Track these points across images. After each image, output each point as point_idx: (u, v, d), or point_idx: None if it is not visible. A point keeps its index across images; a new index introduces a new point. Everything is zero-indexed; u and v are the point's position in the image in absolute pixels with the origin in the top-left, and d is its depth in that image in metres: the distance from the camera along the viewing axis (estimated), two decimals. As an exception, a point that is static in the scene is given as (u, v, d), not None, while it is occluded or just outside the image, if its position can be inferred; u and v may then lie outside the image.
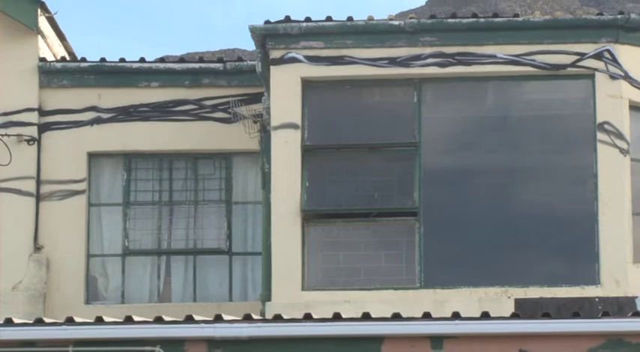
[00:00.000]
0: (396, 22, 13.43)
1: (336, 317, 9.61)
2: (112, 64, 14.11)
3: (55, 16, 14.25)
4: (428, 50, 12.44)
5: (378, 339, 9.56)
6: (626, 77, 11.99)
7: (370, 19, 12.92)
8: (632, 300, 10.56)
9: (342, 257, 12.16)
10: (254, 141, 12.89)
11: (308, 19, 12.29)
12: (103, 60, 14.08)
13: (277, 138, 12.04)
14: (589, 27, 12.44)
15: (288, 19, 12.31)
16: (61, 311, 11.96)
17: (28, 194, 13.47)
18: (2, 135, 13.29)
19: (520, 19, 13.32)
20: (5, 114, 13.31)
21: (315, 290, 11.72)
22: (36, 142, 13.44)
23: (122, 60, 13.97)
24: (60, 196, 13.50)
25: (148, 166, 13.84)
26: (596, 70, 11.92)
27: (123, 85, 13.79)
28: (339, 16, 12.57)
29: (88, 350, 9.58)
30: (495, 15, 13.64)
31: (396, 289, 11.76)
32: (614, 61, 11.86)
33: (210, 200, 13.72)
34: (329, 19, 12.40)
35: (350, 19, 12.70)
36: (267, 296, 11.88)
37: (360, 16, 12.72)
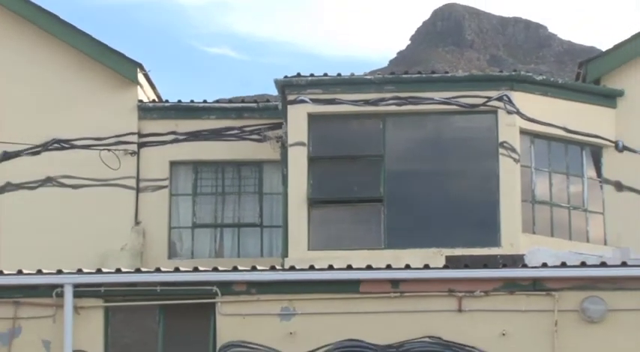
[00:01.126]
0: (368, 77, 13.63)
1: (330, 267, 9.65)
2: (185, 104, 13.91)
3: (148, 73, 14.14)
4: (389, 95, 12.36)
5: (357, 282, 9.51)
6: (518, 112, 12.00)
7: (352, 75, 12.88)
8: (521, 257, 10.53)
9: (334, 228, 12.30)
10: (277, 153, 12.96)
11: (312, 75, 12.37)
12: (179, 101, 13.97)
13: (292, 152, 12.18)
14: (493, 80, 12.54)
15: (298, 75, 12.41)
16: (151, 264, 11.80)
17: (131, 188, 13.25)
18: (115, 150, 13.24)
19: (449, 74, 13.54)
20: (117, 136, 13.14)
21: (316, 251, 11.75)
22: (136, 154, 13.30)
23: (192, 101, 13.90)
24: (152, 189, 13.38)
25: (208, 170, 13.73)
26: (498, 107, 11.99)
27: (192, 117, 13.71)
28: (332, 72, 12.66)
29: (169, 289, 9.42)
30: (433, 72, 13.90)
31: (368, 249, 11.75)
32: (510, 102, 11.91)
33: (248, 191, 13.64)
34: (325, 75, 12.49)
35: (339, 75, 12.68)
36: (285, 254, 11.93)
37: (345, 72, 12.77)
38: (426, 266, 9.70)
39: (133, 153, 13.27)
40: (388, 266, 9.68)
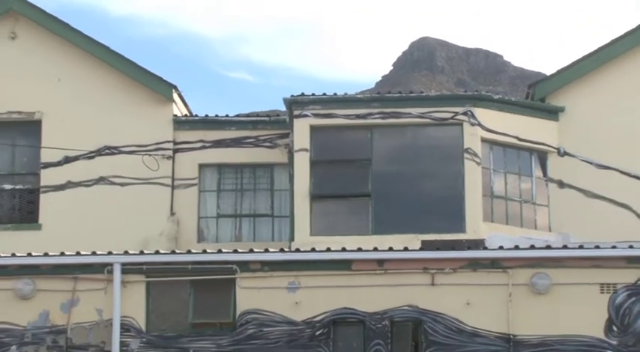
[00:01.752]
0: (358, 96, 13.61)
1: (328, 249, 9.67)
2: (211, 118, 13.84)
3: (181, 93, 14.03)
4: (375, 110, 12.29)
5: (349, 261, 9.53)
6: (479, 124, 11.96)
7: (345, 94, 12.76)
8: (482, 241, 10.47)
9: (331, 218, 12.17)
10: (285, 158, 12.90)
11: (313, 94, 12.25)
12: (206, 116, 13.94)
13: (297, 157, 12.09)
14: (459, 98, 12.56)
15: (302, 94, 12.25)
16: (184, 247, 11.95)
17: (167, 185, 13.21)
18: (155, 155, 13.20)
19: (423, 94, 13.44)
20: (156, 143, 13.15)
21: (316, 236, 11.66)
22: (171, 158, 13.27)
23: (216, 115, 13.77)
24: (184, 186, 13.28)
25: (230, 171, 13.59)
26: (463, 121, 11.93)
27: (216, 128, 13.59)
28: (329, 91, 12.53)
29: (198, 267, 9.53)
30: (410, 92, 13.88)
31: (359, 235, 11.63)
32: (472, 116, 11.85)
33: (262, 188, 13.52)
34: (324, 94, 12.36)
35: (335, 94, 12.51)
36: (291, 239, 11.86)
37: (339, 92, 12.65)
38: (406, 249, 9.75)
39: (169, 157, 13.20)
40: (375, 249, 9.71)
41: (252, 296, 9.49)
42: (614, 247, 9.47)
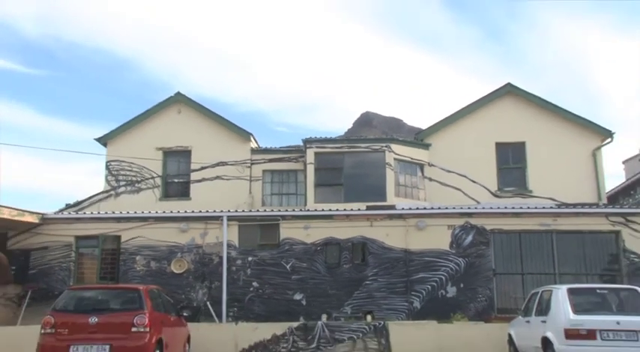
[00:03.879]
0: (337, 138, 12.57)
1: (322, 210, 9.50)
2: (269, 148, 12.45)
3: (254, 135, 12.45)
4: (345, 145, 11.40)
5: (332, 215, 9.31)
6: (393, 152, 11.14)
7: (330, 137, 12.01)
8: (394, 206, 9.90)
9: (324, 195, 11.15)
10: (303, 167, 11.78)
11: (313, 137, 11.49)
12: (266, 148, 12.55)
13: (308, 167, 11.24)
14: (383, 140, 11.75)
15: (310, 138, 11.40)
16: (255, 208, 11.08)
17: (247, 180, 11.96)
18: (242, 165, 12.16)
19: (368, 138, 12.74)
20: (243, 160, 12.14)
21: (317, 204, 10.76)
22: (249, 167, 12.12)
23: (271, 147, 12.64)
24: (255, 180, 12.09)
25: (276, 173, 12.38)
26: (385, 150, 11.18)
27: (272, 153, 12.42)
28: (320, 136, 11.75)
29: (262, 216, 9.19)
30: (360, 137, 12.99)
31: (337, 203, 10.63)
32: (389, 148, 11.18)
33: (291, 181, 12.26)
34: (320, 137, 11.70)
35: (325, 137, 11.63)
36: (305, 204, 11.04)
37: (325, 136, 11.90)
38: (359, 209, 9.49)
39: (248, 166, 12.19)
40: (344, 210, 9.50)
41: (287, 231, 9.29)
42: (454, 208, 9.57)
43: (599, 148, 11.28)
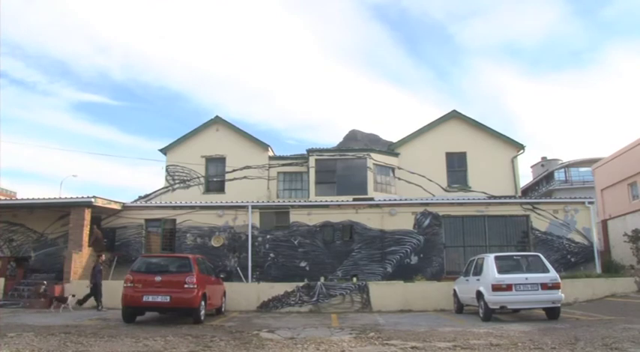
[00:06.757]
0: (331, 148, 11.84)
1: (322, 201, 9.37)
2: (283, 156, 12.03)
3: (270, 146, 12.25)
4: (337, 154, 11.07)
5: (328, 205, 8.97)
6: (372, 159, 10.82)
7: (326, 148, 11.35)
8: (372, 198, 9.61)
9: (323, 190, 10.89)
10: (306, 169, 11.46)
11: (314, 148, 11.18)
12: (281, 156, 11.97)
13: (310, 170, 10.95)
14: (366, 150, 11.34)
15: (313, 148, 11.18)
16: (272, 199, 11.00)
17: (266, 179, 11.66)
18: (262, 168, 11.53)
19: (354, 148, 11.93)
20: (263, 164, 11.75)
21: (318, 196, 10.59)
22: (267, 171, 11.64)
23: (284, 155, 12.11)
24: (271, 179, 11.72)
25: (288, 174, 11.94)
26: (367, 157, 10.87)
27: (285, 159, 12.05)
28: (319, 146, 11.43)
29: (277, 206, 8.93)
30: (348, 148, 12.07)
31: (331, 196, 10.49)
32: (369, 156, 10.90)
33: (298, 180, 11.82)
34: (319, 148, 11.28)
35: (323, 148, 11.34)
36: (308, 197, 10.82)
37: (321, 147, 11.41)
38: (348, 201, 9.43)
39: (267, 169, 11.85)
40: (337, 200, 9.52)
41: (295, 216, 9.23)
42: (416, 199, 9.55)
43: (515, 156, 11.58)
